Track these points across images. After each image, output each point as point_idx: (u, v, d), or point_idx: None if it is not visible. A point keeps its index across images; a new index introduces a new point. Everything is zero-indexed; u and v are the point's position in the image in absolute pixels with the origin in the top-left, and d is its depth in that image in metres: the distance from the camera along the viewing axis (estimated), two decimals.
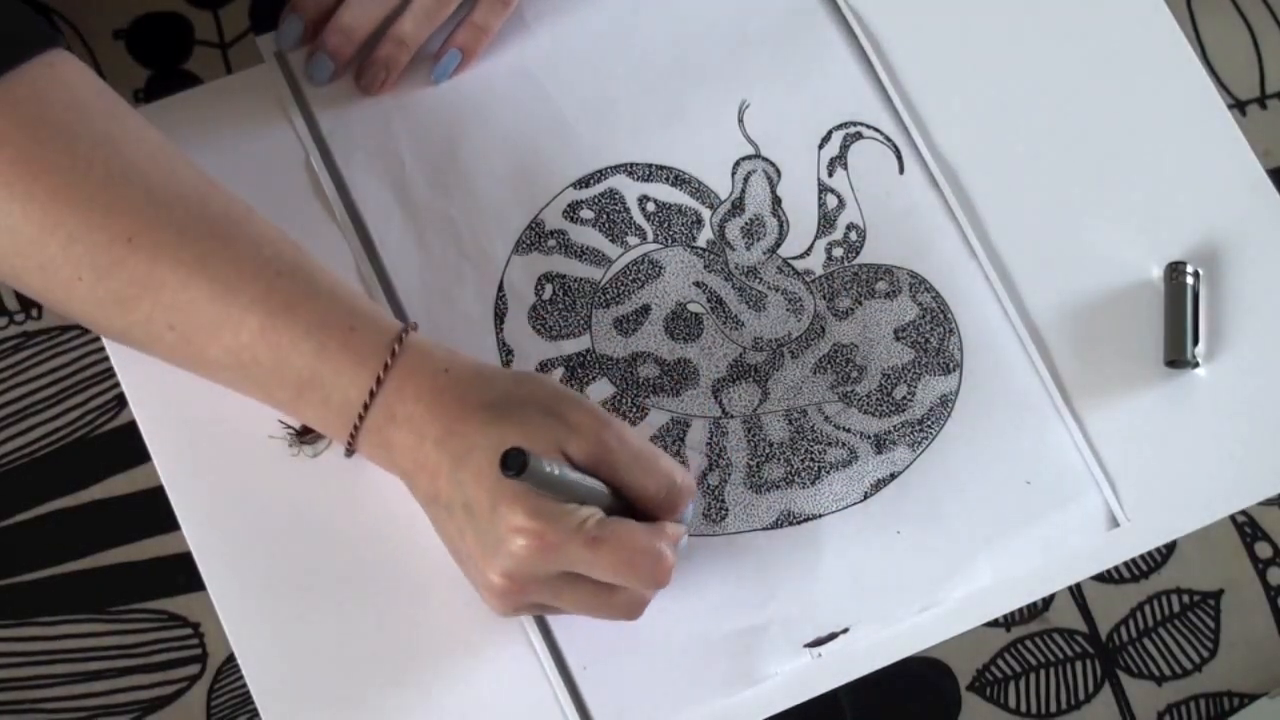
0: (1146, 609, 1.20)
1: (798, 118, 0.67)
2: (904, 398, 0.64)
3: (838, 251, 0.66)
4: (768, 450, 0.62)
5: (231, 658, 1.00)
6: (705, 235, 0.65)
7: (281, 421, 0.60)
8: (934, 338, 0.64)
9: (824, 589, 0.61)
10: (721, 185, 0.66)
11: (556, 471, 0.50)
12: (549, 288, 0.64)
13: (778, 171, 0.66)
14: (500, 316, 0.63)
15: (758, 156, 0.66)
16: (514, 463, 0.47)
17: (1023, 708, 1.16)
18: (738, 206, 0.66)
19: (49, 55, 0.54)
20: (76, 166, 0.52)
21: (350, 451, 0.56)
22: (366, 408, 0.53)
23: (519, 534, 0.50)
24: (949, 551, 0.61)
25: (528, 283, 0.64)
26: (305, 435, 0.59)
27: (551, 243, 0.64)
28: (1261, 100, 1.30)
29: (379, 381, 0.53)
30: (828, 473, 0.62)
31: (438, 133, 0.65)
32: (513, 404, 0.53)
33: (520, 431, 0.52)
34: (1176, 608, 1.20)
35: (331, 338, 0.53)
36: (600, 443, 0.53)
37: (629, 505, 0.55)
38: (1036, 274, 0.66)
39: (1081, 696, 1.17)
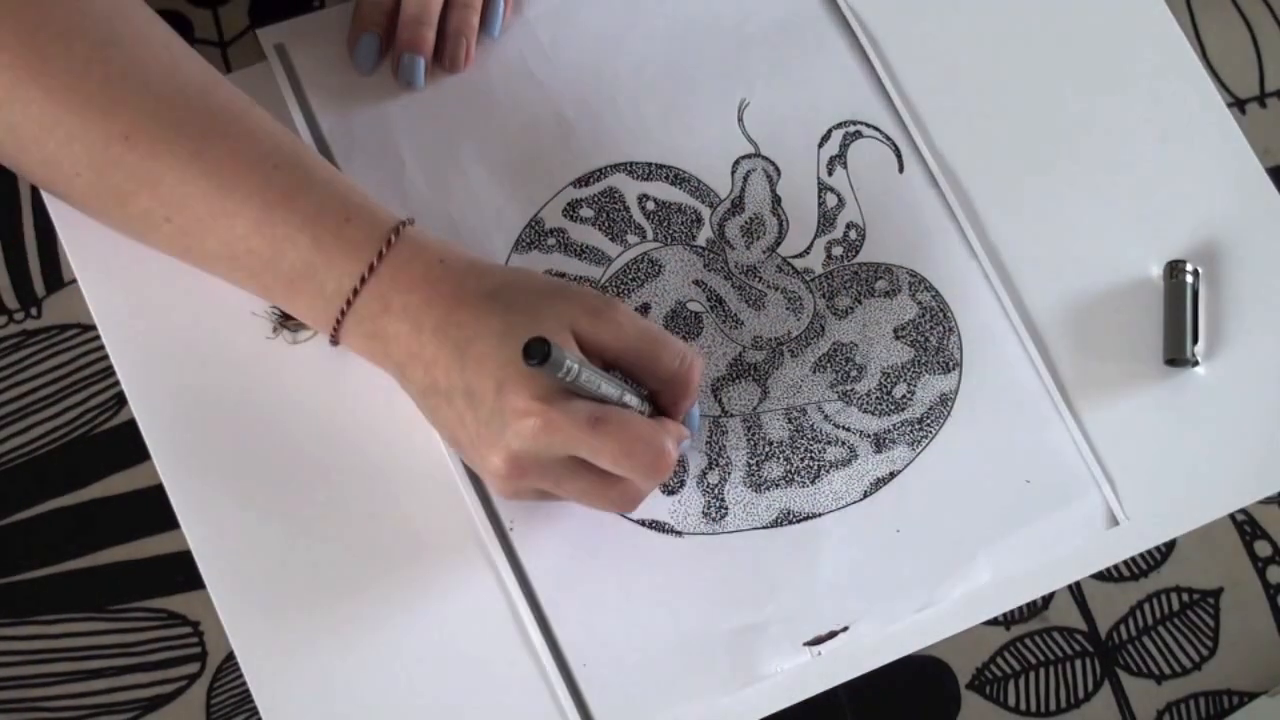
0: (1146, 607, 1.20)
1: (797, 116, 0.67)
2: (903, 396, 0.63)
3: (837, 250, 0.65)
4: (767, 449, 0.62)
5: (231, 656, 1.00)
6: (705, 234, 0.65)
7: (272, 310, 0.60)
8: (933, 336, 0.64)
9: (823, 587, 0.61)
10: (721, 184, 0.66)
11: (576, 363, 0.50)
12: None
13: (777, 170, 0.66)
14: None
15: (757, 155, 0.66)
16: (536, 352, 0.47)
17: (1022, 706, 1.16)
18: (737, 205, 0.66)
19: None
20: (74, 68, 0.53)
21: (335, 340, 0.56)
22: (356, 293, 0.54)
23: (524, 415, 0.51)
24: (948, 550, 0.61)
25: None
26: (289, 320, 0.60)
27: (551, 241, 0.64)
28: (1261, 99, 1.30)
29: (371, 269, 0.54)
30: (827, 471, 0.62)
31: (438, 132, 0.65)
32: (514, 291, 0.54)
33: (525, 317, 0.52)
34: (1176, 606, 1.20)
35: (326, 229, 0.54)
36: (609, 318, 0.53)
37: (641, 405, 0.56)
38: (1036, 272, 0.66)
39: (1081, 695, 1.17)
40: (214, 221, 0.54)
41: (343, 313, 0.55)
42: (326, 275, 0.54)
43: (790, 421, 0.63)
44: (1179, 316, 0.65)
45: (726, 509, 0.61)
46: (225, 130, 0.54)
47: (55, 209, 0.62)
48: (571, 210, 0.65)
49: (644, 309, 0.64)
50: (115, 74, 0.53)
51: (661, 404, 0.57)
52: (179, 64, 0.55)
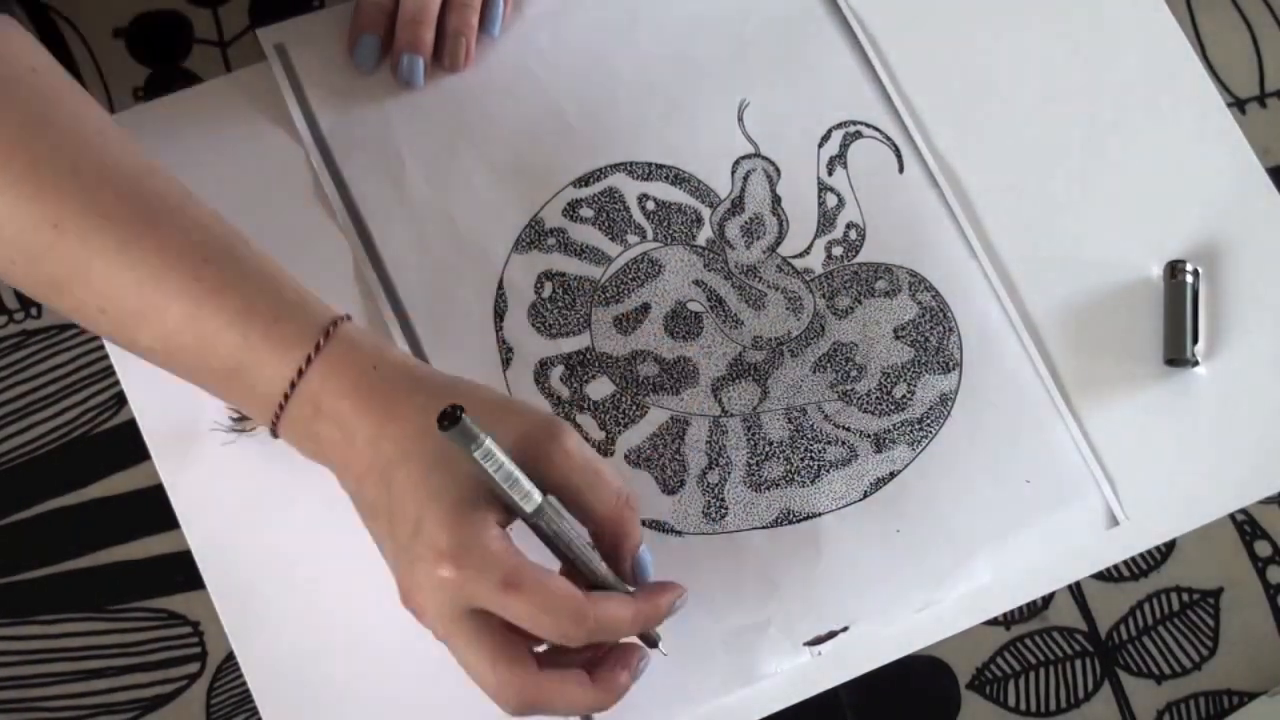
0: (1146, 607, 1.20)
1: (797, 117, 0.67)
2: (903, 396, 0.64)
3: (837, 250, 0.66)
4: (767, 449, 0.62)
5: (231, 656, 1.00)
6: (705, 234, 0.65)
7: (227, 408, 0.60)
8: (933, 336, 0.64)
9: (824, 587, 0.61)
10: (721, 184, 0.66)
11: (491, 442, 0.47)
12: (549, 286, 0.64)
13: (777, 170, 0.66)
14: (500, 314, 0.63)
15: (757, 155, 0.66)
16: (448, 419, 0.44)
17: (1022, 706, 1.16)
18: (737, 205, 0.66)
19: None
20: (0, 148, 0.51)
21: (275, 434, 0.55)
22: (287, 398, 0.52)
23: (439, 558, 0.48)
24: (948, 550, 0.61)
25: (527, 281, 0.64)
26: (243, 421, 0.59)
27: (551, 241, 0.64)
28: (1261, 99, 1.30)
29: (300, 373, 0.52)
30: (827, 471, 0.62)
31: (438, 131, 0.65)
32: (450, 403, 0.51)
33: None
34: (1176, 606, 1.20)
35: (255, 328, 0.52)
36: (550, 448, 0.50)
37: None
38: (1036, 272, 0.66)
39: (1081, 695, 1.17)
40: (144, 316, 0.52)
41: (276, 415, 0.53)
42: (257, 375, 0.52)
43: (790, 421, 0.63)
44: (1179, 316, 0.65)
45: (726, 509, 0.61)
46: (155, 221, 0.53)
47: None
48: (571, 210, 0.65)
49: (644, 309, 0.64)
50: (42, 158, 0.52)
51: (602, 548, 0.53)
52: (110, 149, 0.54)
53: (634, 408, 0.62)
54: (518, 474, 0.48)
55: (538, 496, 0.49)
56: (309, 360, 0.51)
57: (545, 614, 0.48)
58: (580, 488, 0.51)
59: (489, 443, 0.47)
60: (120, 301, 0.52)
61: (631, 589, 0.53)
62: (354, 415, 0.51)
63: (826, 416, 0.63)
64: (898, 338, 0.64)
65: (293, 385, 0.52)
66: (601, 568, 0.52)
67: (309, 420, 0.52)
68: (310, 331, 0.52)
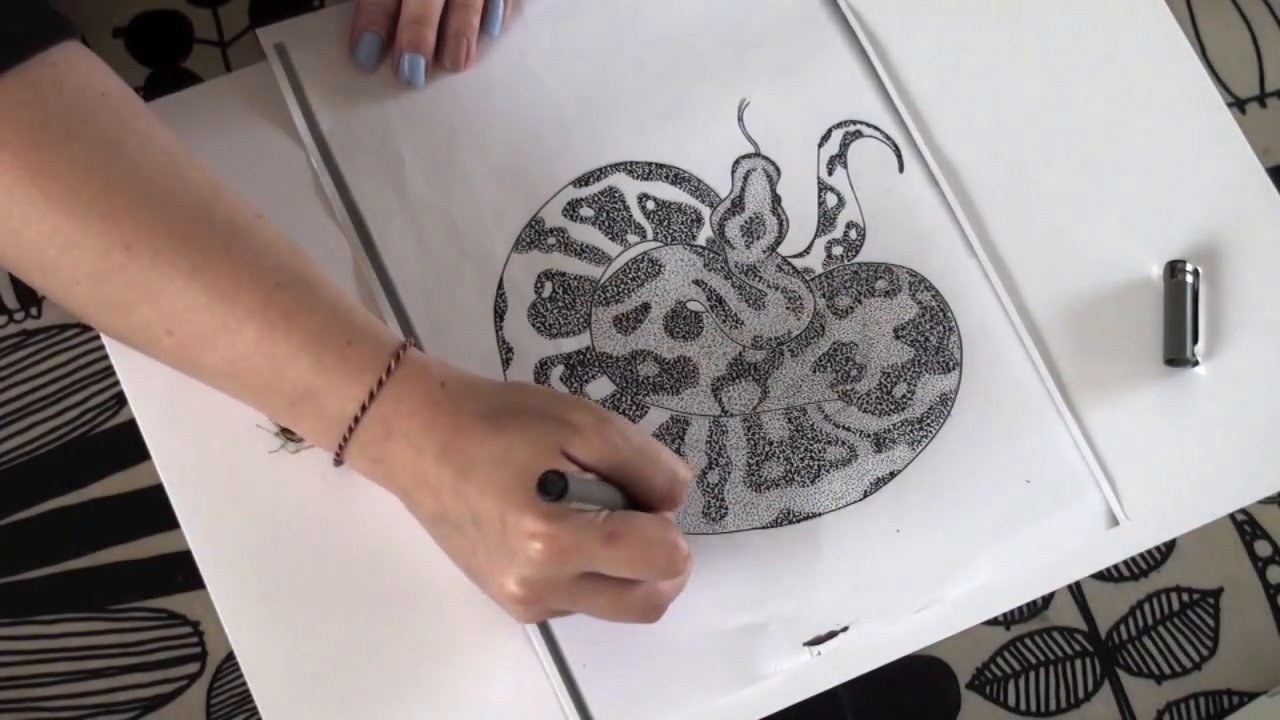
0: (1146, 607, 1.20)
1: (797, 116, 0.67)
2: (904, 396, 0.63)
3: (837, 250, 0.66)
4: (767, 449, 0.62)
5: (231, 656, 1.00)
6: (705, 233, 0.65)
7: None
8: (934, 336, 0.64)
9: (824, 587, 0.61)
10: (721, 183, 0.66)
11: (588, 489, 0.49)
12: (549, 285, 0.64)
13: (777, 170, 0.66)
14: (500, 314, 0.63)
15: (757, 155, 0.66)
16: (553, 488, 0.46)
17: (1022, 706, 1.16)
18: (737, 205, 0.66)
19: (55, 51, 0.54)
20: (75, 172, 0.52)
21: (339, 463, 0.56)
22: (357, 420, 0.53)
23: (533, 539, 0.50)
24: (948, 550, 0.61)
25: (527, 280, 0.64)
26: (290, 432, 0.59)
27: (551, 241, 0.64)
28: (1261, 99, 1.30)
29: (372, 396, 0.53)
30: (827, 471, 0.62)
31: (438, 131, 0.65)
32: (510, 412, 0.53)
33: (523, 439, 0.52)
34: (1176, 606, 1.20)
35: (328, 351, 0.53)
36: (605, 440, 0.53)
37: (629, 504, 0.55)
38: (1036, 272, 0.66)
39: (1081, 695, 1.17)
40: (215, 338, 0.53)
41: (345, 438, 0.54)
42: (328, 399, 0.53)
43: (790, 421, 0.63)
44: (1179, 316, 0.65)
45: (726, 509, 0.61)
46: (228, 244, 0.53)
47: None
48: (572, 210, 0.65)
49: (644, 308, 0.64)
50: (116, 181, 0.52)
51: (663, 509, 0.56)
52: (182, 173, 0.54)
53: (634, 408, 0.62)
54: (596, 491, 0.52)
55: (611, 501, 0.53)
56: (380, 383, 0.53)
57: (650, 550, 0.51)
58: (631, 475, 0.54)
59: (575, 489, 0.49)
60: (190, 324, 0.53)
61: None
62: (423, 432, 0.53)
63: (826, 416, 0.63)
64: (898, 337, 0.64)
65: (363, 408, 0.53)
66: None
67: (379, 442, 0.53)
68: (382, 354, 0.54)
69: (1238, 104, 1.30)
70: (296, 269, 0.55)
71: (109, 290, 0.53)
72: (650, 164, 0.66)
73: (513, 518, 0.50)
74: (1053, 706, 1.18)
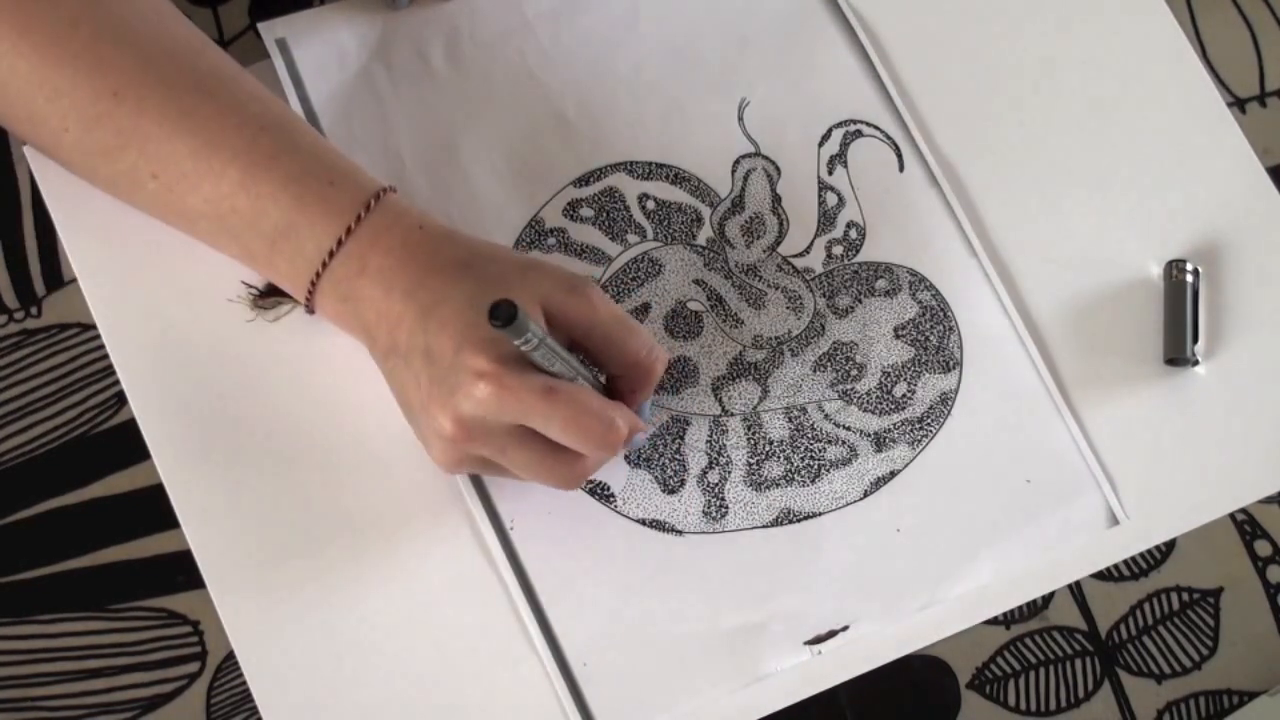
0: (1146, 607, 1.20)
1: (797, 116, 0.67)
2: (904, 396, 0.64)
3: (837, 249, 0.66)
4: (768, 448, 0.62)
5: (231, 656, 1.00)
6: (705, 233, 0.65)
7: (244, 282, 0.60)
8: (934, 336, 0.64)
9: (824, 587, 0.61)
10: (721, 183, 0.66)
11: (539, 334, 0.49)
12: None
13: (777, 169, 0.66)
14: None
15: (757, 154, 0.66)
16: (502, 313, 0.46)
17: (1022, 705, 1.16)
18: (737, 204, 0.66)
19: None
20: (61, 23, 0.53)
21: (310, 306, 0.56)
22: (332, 254, 0.54)
23: (479, 377, 0.50)
24: (949, 549, 0.61)
25: None
26: (264, 299, 0.60)
27: (551, 241, 0.64)
28: (1261, 98, 1.30)
29: (349, 231, 0.54)
30: (828, 471, 0.62)
31: (438, 131, 0.65)
32: (488, 260, 0.54)
33: (496, 285, 0.52)
34: (1176, 605, 1.20)
35: (309, 190, 0.54)
36: (584, 297, 0.53)
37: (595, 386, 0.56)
38: (1036, 272, 0.66)
39: (1081, 694, 1.17)
40: (199, 179, 0.54)
41: (318, 274, 0.55)
42: (307, 235, 0.54)
43: (790, 420, 0.63)
44: (1179, 316, 0.65)
45: (727, 508, 0.61)
46: (213, 90, 0.55)
47: (56, 209, 0.61)
48: (572, 210, 0.65)
49: (644, 308, 0.64)
50: (104, 31, 0.54)
51: (619, 389, 0.57)
52: (167, 25, 0.56)
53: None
54: (554, 348, 0.51)
55: (569, 371, 0.53)
56: (358, 219, 0.54)
57: (585, 417, 0.51)
58: (608, 338, 0.54)
59: (533, 330, 0.49)
60: (175, 166, 0.54)
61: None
62: (397, 268, 0.54)
63: (827, 416, 0.63)
64: (898, 337, 0.64)
65: (340, 242, 0.54)
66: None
67: (352, 278, 0.55)
68: (362, 194, 0.55)
69: (1238, 104, 1.30)
70: (281, 115, 0.56)
71: (97, 136, 0.54)
72: (650, 164, 0.66)
73: (467, 353, 0.51)
74: (1053, 706, 1.18)
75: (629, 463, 0.61)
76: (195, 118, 0.54)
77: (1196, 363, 0.65)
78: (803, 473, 0.62)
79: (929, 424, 0.63)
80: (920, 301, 0.65)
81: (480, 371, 0.51)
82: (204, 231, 0.57)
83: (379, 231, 0.54)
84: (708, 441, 0.62)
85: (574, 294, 0.53)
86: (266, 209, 0.54)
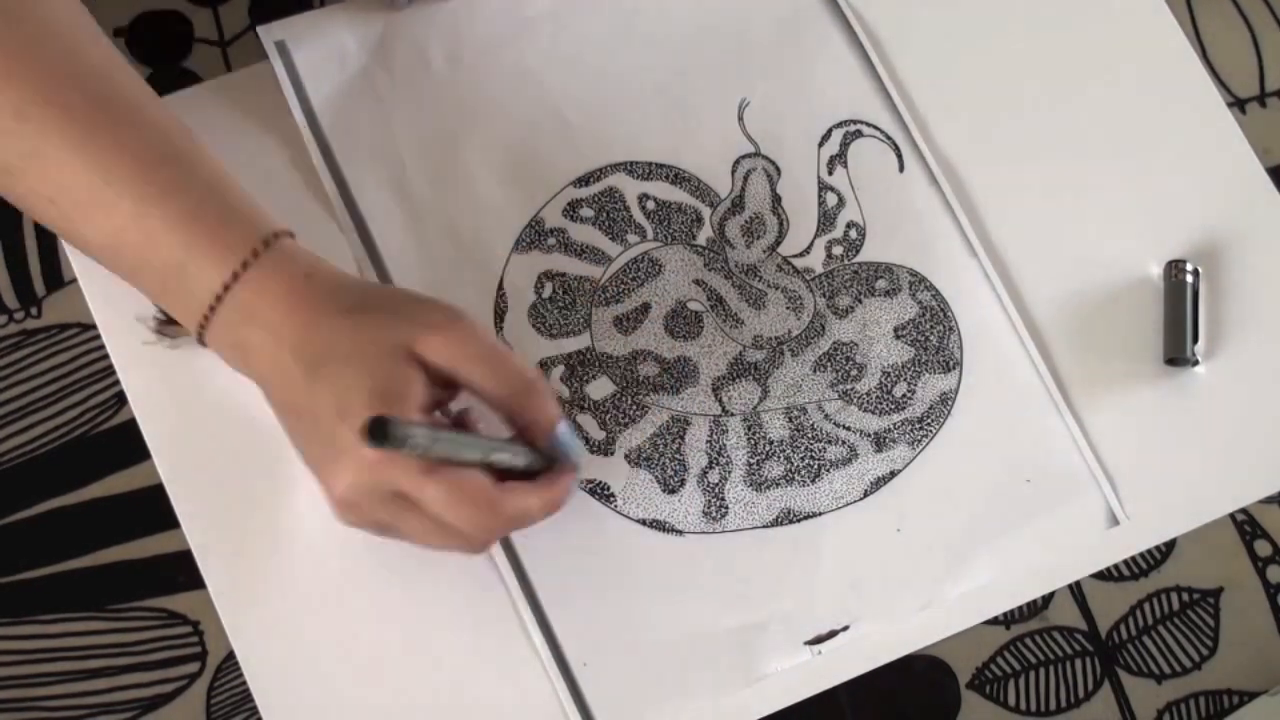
0: (1146, 607, 1.20)
1: (797, 116, 0.67)
2: (904, 396, 0.64)
3: (837, 249, 0.66)
4: (768, 448, 0.62)
5: (231, 656, 1.00)
6: (705, 233, 0.65)
7: (156, 305, 0.60)
8: (934, 336, 0.64)
9: (824, 587, 0.61)
10: (721, 183, 0.66)
11: (425, 436, 0.48)
12: (549, 286, 0.64)
13: (777, 169, 0.66)
14: (500, 314, 0.63)
15: (757, 155, 0.66)
16: (377, 432, 0.46)
17: (1022, 705, 1.16)
18: (737, 204, 0.66)
19: None
20: None
21: (203, 342, 0.56)
22: (219, 299, 0.54)
23: (356, 448, 0.50)
24: (949, 549, 0.61)
25: (528, 281, 0.64)
26: (168, 326, 0.60)
27: (551, 241, 0.64)
28: (1261, 98, 1.30)
29: (235, 276, 0.53)
30: (828, 471, 0.62)
31: (438, 131, 0.65)
32: (369, 309, 0.53)
33: (373, 337, 0.52)
34: (1176, 606, 1.20)
35: (201, 230, 0.53)
36: (451, 339, 0.52)
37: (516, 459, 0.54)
38: (1036, 272, 0.66)
39: (1081, 694, 1.17)
40: (92, 209, 0.54)
41: (206, 317, 0.54)
42: (195, 277, 0.54)
43: (791, 421, 0.63)
44: (1179, 316, 0.65)
45: (727, 508, 0.61)
46: (116, 119, 0.54)
47: None
48: (572, 210, 0.65)
49: (644, 308, 0.64)
50: (14, 48, 0.53)
51: (518, 427, 0.55)
52: (81, 46, 0.55)
53: (634, 407, 0.62)
54: (458, 440, 0.50)
55: (477, 454, 0.52)
56: (244, 265, 0.53)
57: (460, 503, 0.50)
58: (475, 378, 0.53)
59: (413, 439, 0.48)
60: (71, 194, 0.54)
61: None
62: (283, 322, 0.53)
63: (827, 416, 0.63)
64: (898, 337, 0.64)
65: (226, 288, 0.53)
66: (523, 460, 0.54)
67: (238, 325, 0.54)
68: (251, 239, 0.54)
69: (1238, 104, 1.30)
70: (181, 149, 0.55)
71: (1, 154, 0.54)
72: (650, 164, 0.66)
73: (348, 420, 0.50)
74: (1053, 706, 1.18)
75: (629, 462, 0.61)
76: (92, 146, 0.53)
77: (1196, 363, 0.65)
78: (803, 473, 0.62)
79: (929, 424, 0.63)
80: (920, 301, 0.65)
81: (355, 446, 0.50)
82: (103, 261, 0.56)
83: (265, 278, 0.53)
84: (708, 441, 0.62)
85: (442, 333, 0.52)
86: (157, 246, 0.53)
